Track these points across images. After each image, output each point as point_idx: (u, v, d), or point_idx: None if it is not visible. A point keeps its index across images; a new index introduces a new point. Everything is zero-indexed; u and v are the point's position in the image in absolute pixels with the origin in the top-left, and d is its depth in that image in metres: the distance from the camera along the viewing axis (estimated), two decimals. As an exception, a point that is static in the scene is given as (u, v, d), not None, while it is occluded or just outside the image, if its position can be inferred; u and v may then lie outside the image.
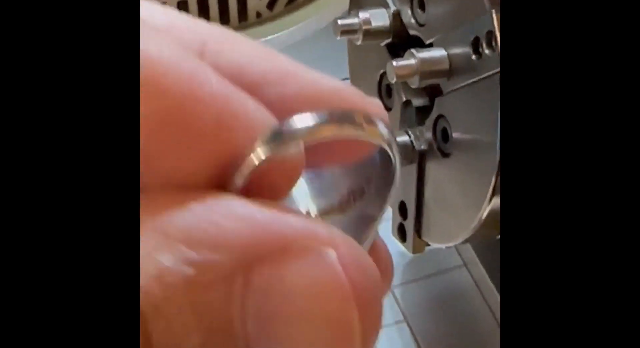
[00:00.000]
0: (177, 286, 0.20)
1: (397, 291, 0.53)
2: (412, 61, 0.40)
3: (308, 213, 0.23)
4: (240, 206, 0.20)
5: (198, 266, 0.20)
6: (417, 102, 0.43)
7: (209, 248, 0.20)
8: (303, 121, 0.21)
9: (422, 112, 0.43)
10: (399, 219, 0.45)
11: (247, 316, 0.20)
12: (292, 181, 0.22)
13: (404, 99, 0.43)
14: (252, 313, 0.20)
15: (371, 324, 0.21)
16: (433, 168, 0.42)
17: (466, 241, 0.43)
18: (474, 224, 0.40)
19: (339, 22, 0.42)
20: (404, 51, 0.41)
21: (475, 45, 0.38)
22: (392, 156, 0.22)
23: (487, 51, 0.37)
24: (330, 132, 0.21)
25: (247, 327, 0.20)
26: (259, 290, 0.20)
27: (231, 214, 0.20)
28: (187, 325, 0.20)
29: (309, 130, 0.21)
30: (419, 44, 0.41)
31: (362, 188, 0.23)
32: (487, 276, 0.50)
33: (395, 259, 0.54)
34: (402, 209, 0.45)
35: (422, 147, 0.42)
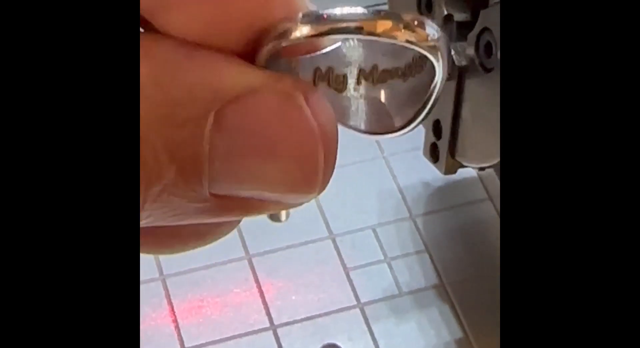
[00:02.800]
0: (150, 123, 0.20)
1: (419, 221, 0.52)
2: (460, -32, 0.39)
3: (374, 67, 0.22)
4: (220, 59, 0.21)
5: (171, 106, 0.20)
6: (459, 17, 0.42)
7: (182, 90, 0.20)
8: (353, 12, 0.21)
9: (463, 28, 0.41)
10: (431, 138, 0.44)
11: (216, 154, 0.21)
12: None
13: (445, 13, 0.42)
14: (221, 151, 0.21)
15: (330, 164, 0.21)
16: (472, 85, 0.41)
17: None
18: (511, 143, 0.39)
19: None
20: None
21: (528, -48, 0.37)
22: (435, 65, 0.22)
23: (540, -41, 0.36)
24: (375, 29, 0.21)
25: (215, 165, 0.21)
26: (230, 128, 0.21)
27: (209, 63, 0.21)
28: (159, 161, 0.20)
29: (356, 22, 0.21)
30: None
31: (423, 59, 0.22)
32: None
33: (419, 189, 0.54)
34: (436, 128, 0.44)
35: (463, 63, 0.41)
